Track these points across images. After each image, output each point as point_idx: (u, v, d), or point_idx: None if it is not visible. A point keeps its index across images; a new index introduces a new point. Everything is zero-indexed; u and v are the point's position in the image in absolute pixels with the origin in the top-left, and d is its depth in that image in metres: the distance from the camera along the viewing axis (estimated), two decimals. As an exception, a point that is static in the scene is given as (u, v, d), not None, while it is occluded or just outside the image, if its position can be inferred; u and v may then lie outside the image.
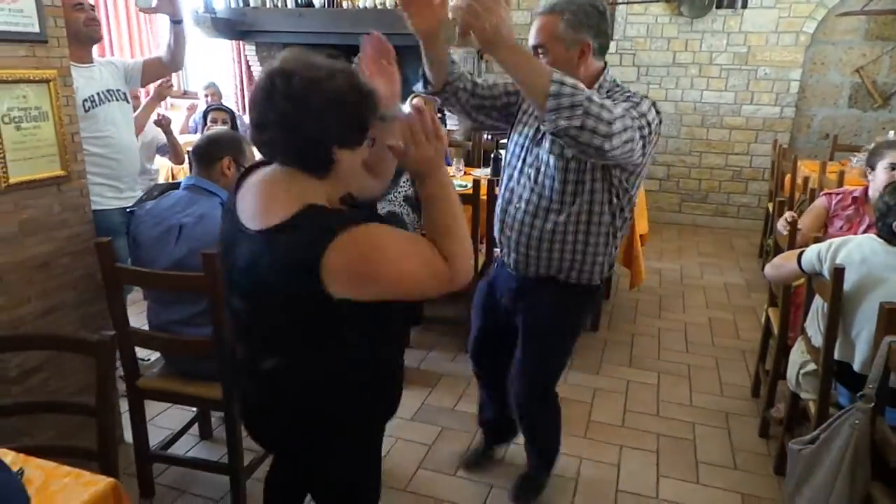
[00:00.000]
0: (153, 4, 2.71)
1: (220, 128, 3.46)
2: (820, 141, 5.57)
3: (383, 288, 1.15)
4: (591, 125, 1.41)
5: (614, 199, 1.73)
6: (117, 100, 2.69)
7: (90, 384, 1.53)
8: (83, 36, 2.54)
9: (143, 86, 3.00)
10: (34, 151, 1.98)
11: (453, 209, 1.21)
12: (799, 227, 2.44)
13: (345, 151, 1.16)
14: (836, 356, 1.92)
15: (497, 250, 2.06)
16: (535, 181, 1.78)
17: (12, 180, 1.92)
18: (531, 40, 1.67)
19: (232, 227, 1.21)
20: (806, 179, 3.44)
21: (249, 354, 1.31)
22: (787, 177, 4.32)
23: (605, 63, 1.72)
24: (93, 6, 2.59)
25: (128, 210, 2.57)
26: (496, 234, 1.96)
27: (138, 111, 3.24)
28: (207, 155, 2.02)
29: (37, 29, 1.93)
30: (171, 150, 3.45)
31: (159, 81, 3.25)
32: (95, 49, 2.74)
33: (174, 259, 1.91)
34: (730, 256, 5.13)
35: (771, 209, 4.66)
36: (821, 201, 2.69)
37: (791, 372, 2.18)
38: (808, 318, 2.12)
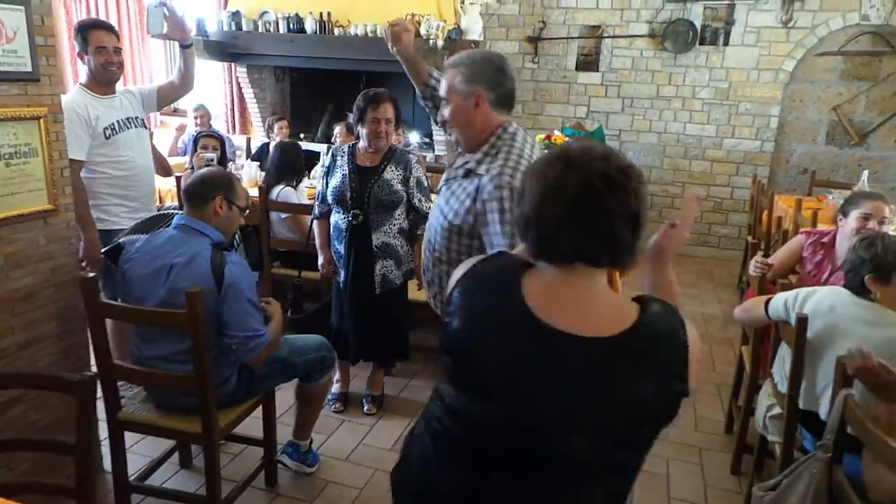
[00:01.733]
0: (164, 31, 2.83)
1: (208, 155, 3.49)
2: (799, 175, 5.70)
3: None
4: None
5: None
6: (135, 126, 2.86)
7: (68, 415, 1.56)
8: (101, 77, 2.73)
9: (159, 109, 3.16)
10: (22, 186, 2.01)
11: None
12: (771, 261, 2.51)
13: None
14: (801, 405, 1.99)
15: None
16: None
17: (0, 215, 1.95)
18: (440, 92, 1.81)
19: (523, 334, 1.02)
20: (779, 220, 3.53)
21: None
22: (765, 212, 4.42)
23: (510, 119, 1.81)
24: (118, 49, 2.74)
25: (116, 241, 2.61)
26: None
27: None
28: (200, 195, 2.05)
29: (29, 68, 1.97)
30: (157, 163, 3.48)
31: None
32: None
33: (162, 298, 1.94)
34: (709, 287, 5.22)
35: (749, 241, 4.77)
36: (798, 239, 2.76)
37: (759, 413, 2.24)
38: (775, 363, 2.19)
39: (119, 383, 2.78)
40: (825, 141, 5.59)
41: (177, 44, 2.96)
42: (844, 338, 1.87)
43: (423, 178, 2.89)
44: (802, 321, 1.91)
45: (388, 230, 2.81)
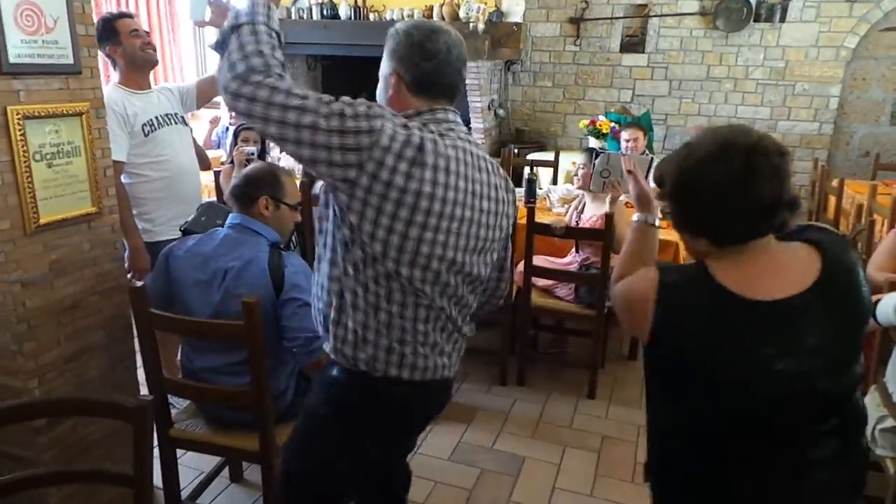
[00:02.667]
0: (207, 18, 2.66)
1: (249, 149, 3.34)
2: (859, 159, 5.39)
3: None
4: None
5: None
6: (175, 123, 2.69)
7: (120, 428, 1.43)
8: (140, 61, 2.57)
9: (199, 107, 2.99)
10: (65, 189, 1.88)
11: None
12: (868, 269, 2.28)
13: None
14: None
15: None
16: None
17: (42, 220, 1.81)
18: None
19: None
20: (860, 207, 3.28)
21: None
22: (831, 199, 4.15)
23: (432, 108, 1.34)
24: (147, 32, 2.62)
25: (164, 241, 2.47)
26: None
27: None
28: (245, 195, 1.93)
29: (71, 60, 1.83)
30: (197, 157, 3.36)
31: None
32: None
33: (217, 307, 1.81)
34: (766, 278, 4.95)
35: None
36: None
37: (867, 427, 2.02)
38: (889, 371, 1.97)
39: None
40: (889, 122, 5.26)
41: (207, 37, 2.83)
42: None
43: None
44: (929, 328, 1.69)
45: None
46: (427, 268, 1.29)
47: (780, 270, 1.11)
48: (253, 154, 3.36)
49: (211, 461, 2.38)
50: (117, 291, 2.08)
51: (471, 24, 4.88)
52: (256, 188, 1.94)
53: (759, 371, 1.07)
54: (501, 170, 1.47)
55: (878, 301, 1.92)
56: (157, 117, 2.63)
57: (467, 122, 5.81)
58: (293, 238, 2.16)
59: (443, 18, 5.08)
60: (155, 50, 2.65)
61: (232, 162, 3.44)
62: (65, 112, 1.83)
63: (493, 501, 2.37)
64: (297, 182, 2.18)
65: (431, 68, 1.33)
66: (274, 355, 1.84)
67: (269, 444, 1.86)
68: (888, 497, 1.92)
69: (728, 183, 1.07)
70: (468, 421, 2.90)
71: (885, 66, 5.15)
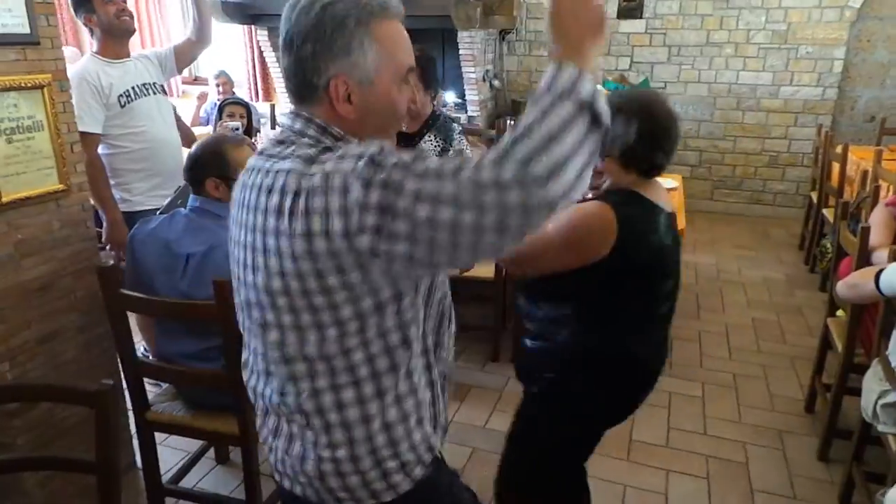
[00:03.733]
0: None
1: (233, 124, 3.24)
2: (864, 124, 5.25)
3: None
4: None
5: None
6: (154, 93, 2.61)
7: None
8: (116, 29, 2.48)
9: (179, 71, 2.89)
10: (28, 165, 1.80)
11: None
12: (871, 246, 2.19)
13: None
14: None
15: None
16: None
17: (5, 198, 1.74)
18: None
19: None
20: (865, 173, 3.16)
21: None
22: (834, 166, 4.04)
23: None
24: None
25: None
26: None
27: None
28: (194, 179, 1.84)
29: (27, 29, 1.73)
30: (183, 135, 3.26)
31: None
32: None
33: (180, 290, 1.73)
34: (767, 248, 4.87)
35: (815, 199, 4.39)
36: (886, 212, 2.42)
37: (867, 400, 1.96)
38: (892, 344, 1.90)
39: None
40: (895, 84, 5.11)
41: None
42: None
43: (467, 150, 2.59)
44: (933, 297, 1.61)
45: None
46: None
47: (662, 195, 1.52)
48: (238, 129, 3.27)
49: (196, 442, 2.33)
50: (91, 272, 2.00)
51: (462, -10, 4.72)
52: (201, 170, 1.83)
53: (677, 259, 1.55)
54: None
55: (881, 271, 1.85)
56: (134, 87, 2.54)
57: (462, 95, 5.68)
58: None
59: (434, -14, 4.91)
60: (132, 17, 2.54)
61: (216, 137, 3.35)
62: (23, 85, 1.75)
63: (482, 480, 2.32)
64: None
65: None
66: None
67: (248, 427, 1.80)
68: (890, 473, 1.86)
69: (675, 129, 1.45)
70: (461, 399, 2.84)
71: (891, 26, 4.99)
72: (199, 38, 2.79)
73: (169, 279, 1.75)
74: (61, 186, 1.89)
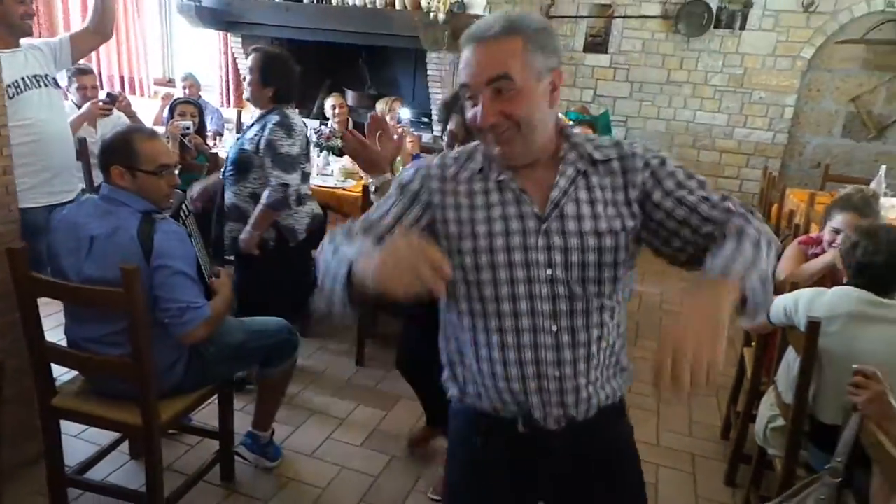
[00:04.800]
0: None
1: (184, 123, 3.28)
2: (812, 169, 5.46)
3: None
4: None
5: None
6: (45, 85, 2.49)
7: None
8: (17, 29, 2.42)
9: (75, 62, 2.76)
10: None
11: None
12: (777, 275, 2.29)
13: None
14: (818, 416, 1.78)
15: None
16: None
17: (-80, 176, 1.75)
18: (484, 73, 1.06)
19: None
20: (791, 213, 3.31)
21: None
22: (775, 206, 4.19)
23: None
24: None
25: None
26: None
27: (72, 118, 3.04)
28: (102, 166, 1.85)
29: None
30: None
31: (96, 101, 3.14)
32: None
33: (83, 275, 1.74)
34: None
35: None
36: (796, 248, 2.53)
37: (759, 424, 2.04)
38: (780, 370, 1.98)
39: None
40: (841, 133, 5.34)
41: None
42: (857, 343, 1.66)
43: (282, 144, 2.54)
44: (814, 326, 1.70)
45: (239, 191, 2.65)
46: None
47: None
48: (188, 128, 3.31)
49: (111, 437, 2.32)
50: (2, 257, 2.00)
51: (431, 14, 4.84)
52: (107, 157, 1.83)
53: None
54: None
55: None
56: (23, 78, 2.43)
57: (427, 115, 5.77)
58: (185, 205, 2.04)
59: (405, 7, 5.04)
60: (33, 18, 2.47)
61: (168, 137, 3.38)
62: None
63: (395, 490, 2.34)
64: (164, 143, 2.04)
65: None
66: (157, 325, 1.79)
67: (151, 418, 1.81)
68: (776, 495, 1.92)
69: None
70: (388, 409, 2.86)
71: (839, 78, 5.22)
72: (98, 30, 2.67)
73: (75, 260, 1.76)
74: (-17, 169, 1.90)
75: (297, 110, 2.84)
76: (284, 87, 2.63)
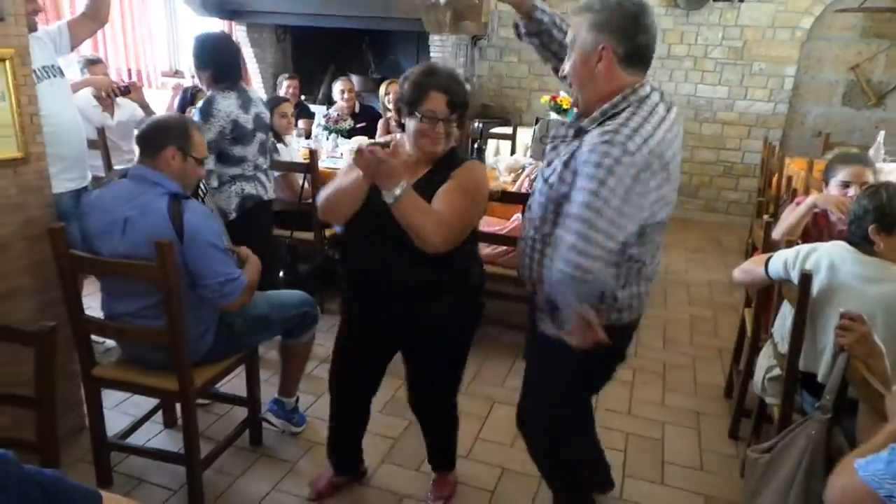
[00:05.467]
0: None
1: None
2: (813, 138, 5.52)
3: None
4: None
5: None
6: (53, 76, 2.53)
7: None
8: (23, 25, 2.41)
9: (73, 48, 2.78)
10: (-12, 133, 1.92)
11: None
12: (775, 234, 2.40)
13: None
14: (801, 366, 1.89)
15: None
16: None
17: (-36, 162, 1.87)
18: (567, 40, 1.53)
19: None
20: (790, 179, 3.40)
21: None
22: (776, 175, 4.27)
23: (645, 81, 1.48)
24: None
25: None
26: None
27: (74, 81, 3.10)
28: (152, 143, 1.93)
29: (-8, 6, 1.86)
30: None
31: (112, 83, 3.24)
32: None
33: (119, 254, 1.85)
34: (716, 252, 5.09)
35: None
36: (796, 208, 2.62)
37: (757, 376, 2.15)
38: (776, 323, 2.09)
39: (102, 341, 2.78)
40: (841, 102, 5.39)
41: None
42: (846, 296, 1.77)
43: None
44: (806, 278, 1.80)
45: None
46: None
47: None
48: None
49: (147, 409, 2.45)
50: (47, 238, 2.13)
51: (432, -3, 4.91)
52: (164, 138, 1.93)
53: None
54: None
55: (769, 258, 2.04)
56: (34, 71, 2.38)
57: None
58: (202, 187, 2.17)
59: (406, -10, 5.10)
60: (39, 13, 2.52)
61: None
62: (-13, 57, 1.87)
63: (415, 450, 2.47)
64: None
65: (646, 42, 1.44)
66: (187, 298, 1.91)
67: (186, 383, 1.94)
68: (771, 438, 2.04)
69: None
70: (404, 377, 2.99)
71: (838, 48, 5.26)
72: (93, 16, 2.70)
73: (109, 241, 1.87)
74: (20, 154, 2.02)
75: (249, 89, 2.89)
76: (220, 67, 2.68)
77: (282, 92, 5.06)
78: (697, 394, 2.97)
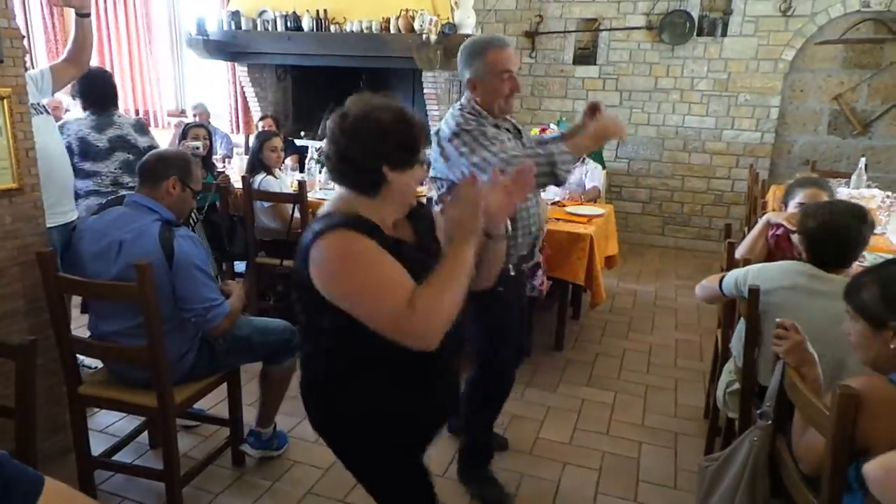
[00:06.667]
0: None
1: (194, 143, 3.55)
2: (801, 166, 5.59)
3: (339, 297, 1.28)
4: None
5: None
6: (39, 113, 2.56)
7: (39, 389, 1.58)
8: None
9: (54, 93, 2.84)
10: (-15, 165, 2.06)
11: (459, 275, 1.26)
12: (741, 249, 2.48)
13: (395, 172, 1.32)
14: (760, 379, 1.95)
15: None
16: None
17: (-38, 192, 2.00)
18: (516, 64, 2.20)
19: None
20: (764, 204, 3.48)
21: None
22: (759, 201, 4.35)
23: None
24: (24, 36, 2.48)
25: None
26: None
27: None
28: (154, 173, 2.07)
29: (-8, 49, 2.02)
30: None
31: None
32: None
33: (113, 275, 1.97)
34: (707, 280, 5.14)
35: (747, 232, 4.69)
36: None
37: (719, 391, 2.21)
38: (734, 339, 2.16)
39: (90, 362, 2.87)
40: (827, 131, 5.49)
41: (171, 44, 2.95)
42: (794, 309, 1.83)
43: None
44: (754, 293, 1.87)
45: None
46: None
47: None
48: (198, 149, 3.57)
49: (128, 428, 2.53)
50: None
51: (423, 36, 5.12)
52: (167, 168, 2.08)
53: None
54: None
55: (723, 276, 2.12)
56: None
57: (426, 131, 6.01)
58: (193, 215, 2.32)
59: (399, 30, 5.32)
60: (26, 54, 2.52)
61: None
62: (-14, 95, 2.02)
63: (438, 454, 2.52)
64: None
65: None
66: (171, 319, 2.01)
67: (166, 400, 2.03)
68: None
69: None
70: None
71: (821, 78, 5.39)
72: (76, 60, 2.75)
73: (104, 264, 1.99)
74: (15, 185, 2.16)
75: (117, 113, 3.27)
76: (85, 96, 3.19)
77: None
78: (677, 415, 3.00)
